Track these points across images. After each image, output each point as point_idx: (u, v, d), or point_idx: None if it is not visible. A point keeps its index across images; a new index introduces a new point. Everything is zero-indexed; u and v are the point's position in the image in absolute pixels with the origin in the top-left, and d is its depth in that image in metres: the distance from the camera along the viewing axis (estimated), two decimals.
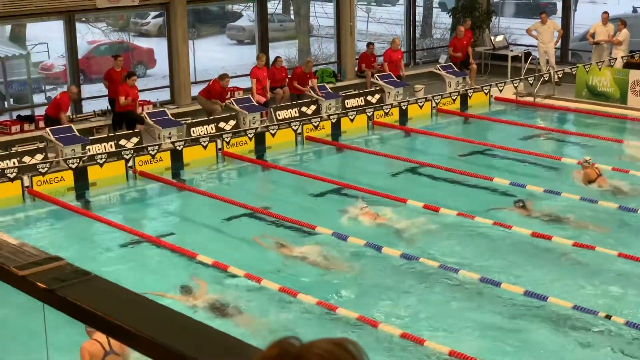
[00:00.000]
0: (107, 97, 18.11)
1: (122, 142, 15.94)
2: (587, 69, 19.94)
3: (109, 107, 17.86)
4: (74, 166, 14.73)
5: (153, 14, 25.74)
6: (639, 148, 16.50)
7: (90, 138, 16.08)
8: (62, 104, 16.57)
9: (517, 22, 30.03)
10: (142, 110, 17.45)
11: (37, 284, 2.29)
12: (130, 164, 15.39)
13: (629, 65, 20.50)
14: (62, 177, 14.81)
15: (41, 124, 16.76)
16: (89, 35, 23.51)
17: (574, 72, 20.29)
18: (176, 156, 15.91)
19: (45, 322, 2.48)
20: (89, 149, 15.57)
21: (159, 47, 22.25)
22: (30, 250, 2.46)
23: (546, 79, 20.22)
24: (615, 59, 20.34)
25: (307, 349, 1.66)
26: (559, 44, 22.36)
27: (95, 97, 19.11)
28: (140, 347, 2.13)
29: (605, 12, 21.48)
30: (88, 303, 2.15)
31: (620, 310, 9.95)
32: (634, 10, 25.18)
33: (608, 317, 9.56)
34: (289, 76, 19.69)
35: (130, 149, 15.55)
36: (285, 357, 1.65)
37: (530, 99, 20.31)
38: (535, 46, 22.32)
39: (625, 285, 10.78)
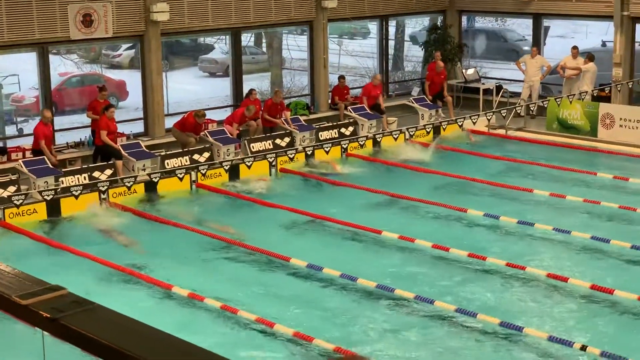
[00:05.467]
0: (79, 129, 18.04)
1: (96, 174, 15.88)
2: (558, 102, 20.19)
3: (91, 138, 17.74)
4: (48, 198, 14.62)
5: (125, 45, 25.73)
6: (610, 180, 16.70)
7: (63, 170, 16.00)
8: (37, 133, 16.50)
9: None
10: (117, 143, 17.39)
11: (40, 313, 2.29)
12: (104, 196, 15.32)
13: (599, 98, 20.79)
14: (34, 209, 14.71)
15: (14, 155, 16.69)
16: (61, 67, 23.45)
17: (545, 105, 20.54)
18: (151, 188, 15.87)
19: (44, 352, 2.47)
20: (62, 181, 15.49)
21: (131, 79, 22.25)
22: (30, 279, 2.45)
23: (519, 111, 20.43)
24: (586, 92, 20.61)
25: None
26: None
27: (67, 129, 19.04)
28: None
29: (575, 47, 21.80)
30: (93, 332, 2.15)
31: (600, 341, 10.01)
32: (603, 44, 25.55)
33: (584, 348, 9.61)
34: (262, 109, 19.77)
35: (105, 181, 15.49)
36: None
37: (502, 131, 20.51)
38: (507, 79, 22.56)
39: (603, 316, 10.86)
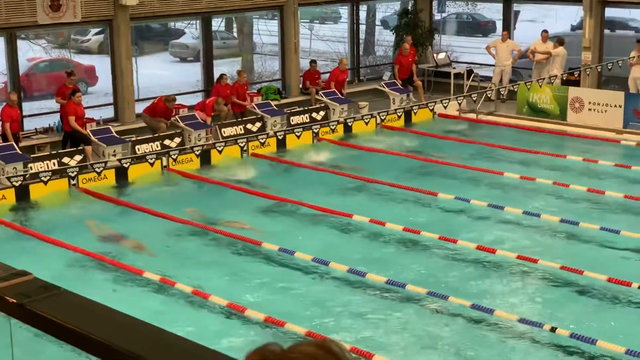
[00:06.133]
0: (48, 115, 17.90)
1: (65, 159, 15.77)
2: (528, 86, 20.29)
3: (60, 123, 17.59)
4: (17, 184, 14.50)
5: (94, 30, 25.50)
6: (579, 163, 16.83)
7: (32, 156, 15.87)
8: (2, 116, 16.33)
9: (458, 40, 30.46)
10: (86, 128, 17.25)
11: (6, 299, 2.27)
12: (74, 182, 15.22)
13: (568, 82, 20.92)
14: (3, 195, 14.59)
15: None
16: (30, 52, 23.22)
17: (515, 89, 20.63)
18: (121, 174, 15.78)
19: (12, 339, 2.45)
20: (31, 167, 15.37)
21: (101, 64, 22.07)
22: None
23: (489, 95, 20.52)
24: (556, 76, 20.73)
25: (288, 354, 1.62)
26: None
27: (36, 114, 18.87)
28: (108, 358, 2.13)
29: (545, 31, 21.91)
30: (60, 317, 2.14)
31: (565, 322, 10.11)
32: (573, 28, 25.68)
33: (553, 329, 9.70)
34: None
35: (75, 167, 15.39)
36: None
37: (473, 115, 20.59)
38: (477, 63, 22.63)
39: (573, 297, 10.97)
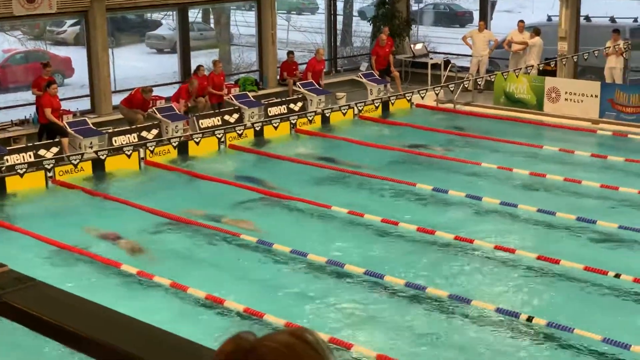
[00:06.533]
0: (24, 106, 17.78)
1: (42, 152, 15.67)
2: (504, 77, 20.36)
3: (36, 115, 17.47)
4: None
5: (69, 22, 25.35)
6: (555, 153, 16.92)
7: (8, 148, 15.76)
8: None
9: (435, 30, 30.52)
10: (62, 120, 17.15)
11: None
12: (50, 174, 15.13)
13: (545, 72, 21.03)
14: None
15: None
16: (5, 43, 23.06)
17: (492, 80, 20.70)
18: (98, 166, 15.71)
19: None
20: (7, 159, 15.26)
21: (77, 55, 21.95)
22: None
23: (466, 86, 20.59)
24: (532, 66, 20.83)
25: (262, 342, 1.62)
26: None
27: (12, 106, 18.74)
28: (88, 351, 2.12)
29: (522, 21, 22.00)
30: (35, 308, 2.13)
31: (542, 311, 10.17)
32: (549, 18, 25.79)
33: (530, 319, 9.75)
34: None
35: (51, 159, 15.30)
36: (239, 352, 1.62)
37: (450, 105, 20.65)
38: (455, 54, 22.68)
39: (549, 286, 11.04)
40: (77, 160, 15.30)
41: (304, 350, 1.61)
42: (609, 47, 20.42)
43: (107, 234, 12.97)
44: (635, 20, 25.46)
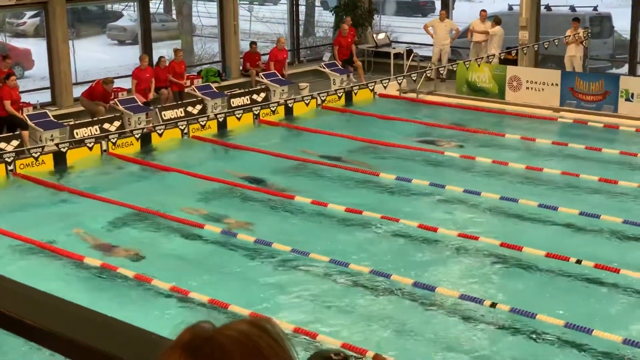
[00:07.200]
0: None
1: (2, 145, 15.50)
2: (467, 66, 20.46)
3: None
4: None
5: (29, 13, 25.07)
6: (517, 141, 17.05)
7: None
8: None
9: (398, 20, 30.59)
10: (22, 112, 16.96)
11: None
12: (11, 167, 14.97)
13: (506, 61, 21.16)
14: None
15: None
16: None
17: (454, 69, 20.79)
18: (59, 158, 15.57)
19: None
20: None
21: (37, 47, 21.72)
22: None
23: (429, 75, 20.66)
24: (494, 55, 20.95)
25: (220, 331, 1.61)
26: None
27: None
28: (46, 343, 2.11)
29: (484, 10, 22.10)
30: None
31: (506, 297, 10.27)
32: (510, 8, 25.95)
33: (493, 305, 9.84)
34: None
35: (12, 152, 15.13)
36: (197, 341, 1.61)
37: (413, 95, 20.72)
38: (417, 43, 22.74)
39: (509, 274, 11.14)
40: (38, 153, 15.16)
41: (263, 339, 1.60)
42: (569, 35, 20.60)
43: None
44: (595, 8, 25.72)
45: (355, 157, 16.14)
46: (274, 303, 10.38)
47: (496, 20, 21.67)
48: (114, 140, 16.19)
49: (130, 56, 22.61)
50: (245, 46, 22.57)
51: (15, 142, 15.67)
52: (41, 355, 7.55)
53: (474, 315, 9.88)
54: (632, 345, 8.90)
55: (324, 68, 21.54)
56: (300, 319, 9.83)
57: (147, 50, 20.63)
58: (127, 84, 19.75)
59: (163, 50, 21.74)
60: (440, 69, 20.88)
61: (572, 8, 25.43)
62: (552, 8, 25.26)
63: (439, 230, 12.17)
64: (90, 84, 18.40)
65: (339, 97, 20.08)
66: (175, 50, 19.96)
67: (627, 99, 18.72)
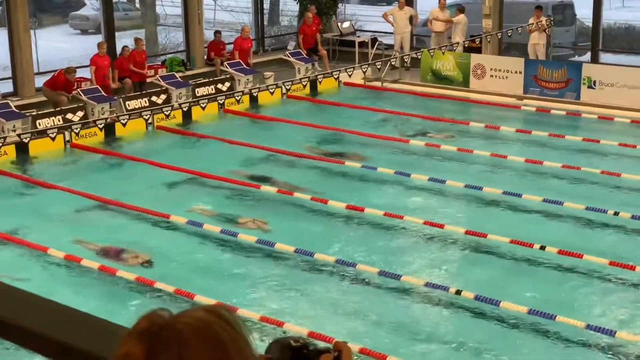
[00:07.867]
0: None
1: None
2: (431, 54, 20.52)
3: None
4: None
5: None
6: (482, 129, 17.15)
7: None
8: None
9: (362, 8, 30.58)
10: None
11: None
12: None
13: (470, 49, 21.26)
14: None
15: None
16: None
17: (419, 57, 20.84)
18: (22, 149, 15.41)
19: None
20: None
21: None
22: None
23: (393, 63, 20.70)
24: (457, 43, 21.02)
25: (177, 319, 1.61)
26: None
27: None
28: (18, 339, 2.08)
29: None
30: None
31: (471, 284, 10.33)
32: None
33: (459, 292, 9.90)
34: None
35: None
36: (154, 328, 1.61)
37: (378, 83, 20.75)
38: (382, 32, 22.75)
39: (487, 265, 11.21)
40: (0, 144, 14.99)
41: (220, 326, 1.61)
42: (532, 23, 20.72)
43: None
44: None
45: (320, 146, 16.15)
46: (238, 292, 10.37)
47: (460, 8, 21.75)
48: (77, 131, 16.06)
49: (93, 46, 22.36)
50: (209, 35, 22.45)
51: None
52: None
53: (440, 302, 9.93)
54: (594, 330, 9.01)
55: (288, 57, 21.49)
56: (266, 308, 9.83)
57: (110, 39, 20.46)
58: (89, 73, 19.56)
59: (127, 40, 21.56)
60: (404, 57, 20.92)
61: None
62: None
63: (405, 218, 12.21)
64: (53, 73, 18.21)
65: (304, 86, 20.07)
66: (136, 39, 19.83)
67: (590, 87, 18.90)
